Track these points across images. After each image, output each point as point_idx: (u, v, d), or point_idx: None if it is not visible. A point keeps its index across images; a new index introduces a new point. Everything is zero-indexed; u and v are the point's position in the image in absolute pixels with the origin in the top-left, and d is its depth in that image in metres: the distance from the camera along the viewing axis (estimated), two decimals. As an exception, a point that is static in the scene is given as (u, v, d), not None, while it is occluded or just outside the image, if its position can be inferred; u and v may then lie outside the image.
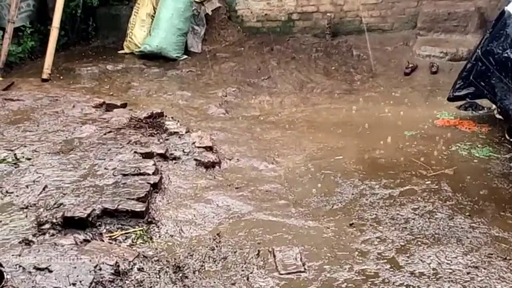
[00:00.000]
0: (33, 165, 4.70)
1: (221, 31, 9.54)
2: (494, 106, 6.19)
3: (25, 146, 5.10)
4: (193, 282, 3.39)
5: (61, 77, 7.93)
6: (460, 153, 5.45)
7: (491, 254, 3.67)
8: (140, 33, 8.93)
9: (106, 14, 9.60)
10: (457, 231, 3.98)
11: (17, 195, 4.19)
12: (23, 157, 4.87)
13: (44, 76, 7.69)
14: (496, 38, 5.46)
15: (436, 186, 4.68)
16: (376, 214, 4.25)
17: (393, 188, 4.68)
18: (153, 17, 8.92)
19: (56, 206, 4.00)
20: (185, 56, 8.83)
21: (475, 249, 3.74)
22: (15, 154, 4.91)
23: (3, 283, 2.73)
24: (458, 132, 6.01)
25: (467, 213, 4.23)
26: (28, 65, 8.40)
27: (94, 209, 3.88)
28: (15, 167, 4.68)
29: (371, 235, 3.95)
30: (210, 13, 9.36)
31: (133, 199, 4.06)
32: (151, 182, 4.34)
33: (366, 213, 4.28)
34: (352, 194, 4.62)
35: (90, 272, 3.21)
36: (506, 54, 5.33)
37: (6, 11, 8.17)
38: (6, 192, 4.25)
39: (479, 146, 5.60)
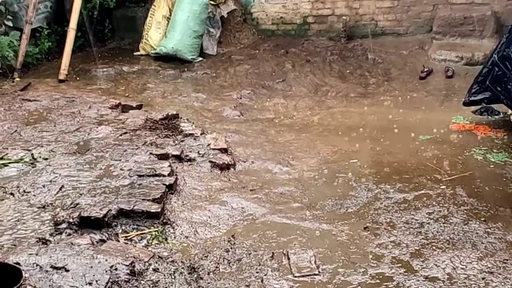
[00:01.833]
0: (50, 165, 4.75)
1: (236, 34, 9.57)
2: (510, 111, 6.14)
3: (42, 146, 5.17)
4: (208, 283, 3.41)
5: (77, 78, 8.00)
6: (476, 158, 5.43)
7: (507, 260, 3.65)
8: (156, 35, 8.98)
9: (122, 15, 9.67)
10: (472, 236, 3.96)
11: (34, 195, 4.24)
12: (40, 157, 4.93)
13: (61, 77, 7.76)
14: (512, 43, 5.46)
15: (451, 191, 4.67)
16: (390, 218, 4.24)
17: (408, 192, 4.68)
18: (169, 19, 8.97)
19: (72, 206, 4.04)
20: (200, 58, 8.86)
21: (490, 254, 3.73)
22: (32, 154, 4.98)
23: (21, 281, 2.76)
24: (473, 137, 5.98)
25: (482, 218, 4.21)
26: (45, 66, 8.48)
27: (110, 210, 3.92)
28: (32, 167, 4.74)
29: (385, 239, 3.94)
30: (225, 15, 9.39)
31: (148, 200, 4.09)
32: (167, 183, 4.37)
33: (380, 217, 4.27)
34: (367, 197, 4.62)
35: (106, 271, 3.24)
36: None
37: (24, 12, 8.26)
38: (24, 191, 4.30)
39: (494, 151, 5.57)
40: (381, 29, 9.46)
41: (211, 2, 9.07)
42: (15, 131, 5.61)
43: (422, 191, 4.69)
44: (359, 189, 4.75)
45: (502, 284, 3.41)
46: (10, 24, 8.07)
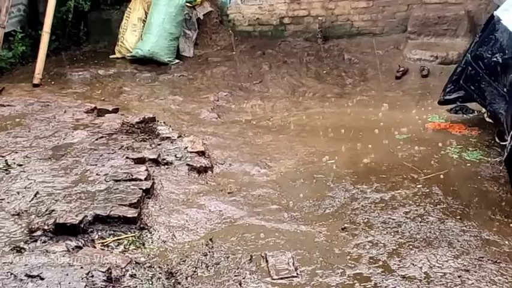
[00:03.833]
0: (24, 172, 4.69)
1: (213, 35, 9.54)
2: (484, 109, 6.22)
3: (16, 152, 5.09)
4: (186, 288, 3.40)
5: (52, 82, 7.91)
6: (451, 156, 5.49)
7: (482, 258, 3.70)
8: (132, 38, 8.92)
9: (97, 18, 9.56)
10: (448, 234, 4.01)
11: (8, 202, 4.18)
12: (14, 163, 4.86)
13: (35, 81, 7.67)
14: (485, 43, 5.51)
15: (428, 190, 4.71)
16: (368, 218, 4.27)
17: (385, 192, 4.71)
18: (145, 21, 8.90)
19: (47, 212, 3.99)
20: (177, 61, 8.81)
21: (466, 252, 3.77)
22: (6, 160, 4.90)
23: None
24: (449, 136, 6.04)
25: (458, 217, 4.26)
26: (19, 70, 8.36)
27: (86, 216, 3.88)
28: (6, 173, 4.66)
29: (363, 239, 3.96)
30: (201, 17, 9.35)
31: (125, 205, 4.05)
32: (144, 188, 4.34)
33: (357, 217, 4.30)
34: (344, 198, 4.64)
35: (82, 279, 3.20)
36: (495, 59, 5.36)
37: (-3, 16, 8.14)
38: (-3, 198, 4.24)
39: (469, 149, 5.64)
40: (356, 29, 9.50)
41: (187, 4, 9.01)
42: (-11, 137, 5.53)
43: (399, 191, 4.73)
44: (336, 190, 4.77)
45: (478, 281, 3.46)
46: (-18, 28, 7.95)
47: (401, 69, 8.44)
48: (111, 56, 9.03)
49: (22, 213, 4.03)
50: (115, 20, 9.37)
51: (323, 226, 4.16)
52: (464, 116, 6.65)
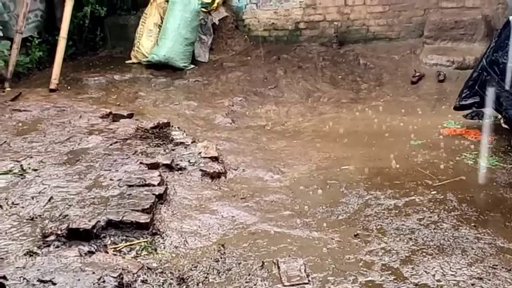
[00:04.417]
0: (39, 176, 4.73)
1: (228, 40, 9.57)
2: (500, 115, 6.15)
3: (31, 157, 5.14)
4: (197, 294, 3.40)
5: (68, 87, 7.98)
6: (466, 162, 5.44)
7: (496, 265, 3.65)
8: (147, 43, 8.97)
9: (114, 23, 9.65)
10: (462, 241, 3.96)
11: (23, 207, 4.22)
12: (29, 168, 4.91)
13: (52, 86, 7.74)
14: (501, 48, 5.46)
15: (442, 197, 4.67)
16: (381, 225, 4.24)
17: (398, 198, 4.67)
18: (161, 26, 8.95)
19: (61, 217, 4.02)
20: (192, 66, 8.85)
21: (480, 260, 3.72)
22: (21, 165, 4.95)
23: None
24: (464, 142, 5.99)
25: (472, 224, 4.21)
26: (36, 75, 8.45)
27: (99, 221, 3.90)
28: (22, 178, 4.71)
29: (376, 246, 3.93)
30: (217, 22, 9.38)
31: (138, 210, 4.07)
32: (156, 193, 4.35)
33: (371, 223, 4.27)
34: (358, 204, 4.61)
35: (93, 284, 3.22)
36: (511, 64, 5.30)
37: (14, 21, 8.24)
38: (12, 203, 4.27)
39: (485, 155, 5.57)
40: (372, 34, 9.48)
41: (203, 10, 9.06)
42: (5, 142, 5.58)
43: (413, 197, 4.68)
44: (350, 196, 4.74)
45: (492, 290, 3.41)
46: (0, 33, 8.03)
47: (417, 74, 8.39)
48: (127, 61, 9.10)
49: (36, 218, 4.06)
50: (131, 25, 9.44)
51: (336, 232, 4.14)
52: (481, 121, 6.56)
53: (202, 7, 8.99)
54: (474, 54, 8.41)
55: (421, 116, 7.04)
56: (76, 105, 6.93)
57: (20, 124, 6.12)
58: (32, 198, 4.34)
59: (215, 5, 9.27)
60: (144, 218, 3.98)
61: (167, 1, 9.01)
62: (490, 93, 5.74)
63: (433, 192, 4.76)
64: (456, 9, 9.12)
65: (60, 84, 7.91)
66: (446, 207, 4.48)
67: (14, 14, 8.36)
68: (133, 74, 8.62)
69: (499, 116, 6.23)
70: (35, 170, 4.88)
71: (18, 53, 8.04)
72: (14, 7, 8.43)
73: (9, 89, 7.72)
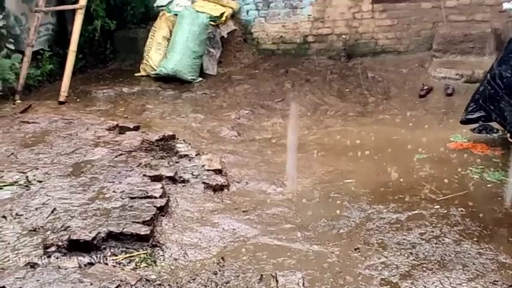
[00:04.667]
0: (43, 188, 4.77)
1: (237, 53, 9.63)
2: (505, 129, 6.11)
3: (37, 169, 5.19)
4: (194, 306, 3.40)
5: (77, 100, 8.07)
6: (472, 176, 5.40)
7: (497, 281, 3.61)
8: (156, 56, 9.05)
9: (123, 37, 9.77)
10: (463, 257, 3.93)
11: (26, 218, 4.25)
12: (35, 179, 4.96)
13: (61, 99, 7.84)
14: (504, 62, 5.44)
15: (445, 211, 4.64)
16: (382, 239, 4.22)
17: (401, 212, 4.65)
18: (169, 40, 9.03)
19: (62, 228, 4.05)
20: (200, 79, 8.91)
21: (481, 275, 3.69)
22: (27, 177, 5.01)
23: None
24: (470, 156, 5.95)
25: (474, 239, 4.17)
26: (46, 88, 8.57)
27: (99, 232, 3.92)
28: (27, 190, 4.76)
29: (376, 260, 3.91)
30: (225, 36, 9.44)
31: (138, 222, 4.09)
32: (158, 205, 4.37)
33: (372, 237, 4.25)
34: (359, 218, 4.59)
35: (91, 295, 3.23)
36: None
37: (26, 34, 8.38)
38: (16, 214, 4.31)
39: (491, 169, 5.53)
40: (381, 47, 9.49)
41: (211, 23, 9.13)
42: (12, 153, 5.65)
43: (416, 211, 4.66)
44: (352, 210, 4.73)
45: (491, 306, 3.38)
46: (12, 47, 8.17)
47: (425, 87, 8.36)
48: (136, 74, 9.18)
49: (38, 229, 4.09)
50: (141, 38, 9.55)
51: (336, 246, 4.13)
52: (488, 135, 6.54)
53: (210, 21, 9.07)
54: (483, 68, 8.33)
55: (428, 129, 7.01)
56: (84, 117, 7.00)
57: (28, 136, 6.18)
58: (36, 209, 4.38)
59: (223, 18, 9.34)
60: (144, 230, 4.00)
61: (176, 15, 9.10)
62: (494, 107, 5.71)
63: (436, 207, 4.73)
64: (465, 22, 9.10)
65: (70, 97, 8.00)
66: (449, 222, 4.44)
67: (26, 27, 8.50)
68: (141, 86, 8.69)
69: (506, 129, 6.19)
70: (40, 181, 4.93)
71: (29, 66, 8.17)
72: (25, 21, 8.57)
73: (19, 101, 7.83)
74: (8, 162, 5.44)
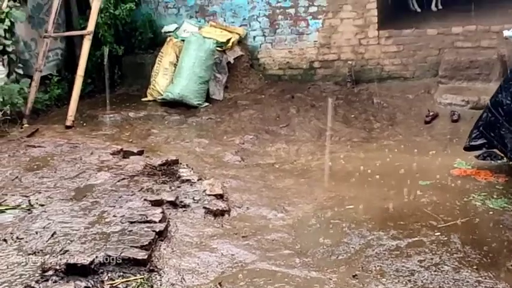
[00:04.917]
0: (45, 212, 4.81)
1: (243, 79, 9.68)
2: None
3: (40, 193, 5.24)
4: (189, 332, 3.39)
5: (84, 124, 8.14)
6: (474, 204, 5.37)
7: (495, 310, 3.59)
8: (163, 81, 9.13)
9: (131, 62, 9.87)
10: (462, 285, 3.90)
11: (26, 241, 4.28)
12: (37, 203, 5.00)
13: (68, 123, 7.90)
14: (505, 89, 5.45)
15: (446, 238, 4.61)
16: (381, 266, 4.20)
17: (401, 239, 4.63)
18: (176, 65, 9.12)
19: (61, 252, 4.07)
20: (206, 104, 8.96)
21: (479, 304, 3.66)
22: (29, 200, 5.05)
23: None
24: (474, 182, 5.92)
25: (474, 267, 4.14)
26: (54, 112, 8.64)
27: (97, 256, 3.94)
28: (28, 213, 4.80)
29: (373, 287, 3.89)
30: (232, 61, 9.51)
31: (136, 247, 4.10)
32: (157, 230, 4.38)
33: (370, 264, 4.23)
34: (359, 244, 4.58)
35: (85, 320, 3.24)
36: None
37: (35, 60, 8.49)
38: (17, 237, 4.35)
39: (494, 196, 5.50)
40: (387, 73, 9.51)
41: (218, 49, 9.22)
42: (17, 177, 5.70)
43: (416, 238, 4.64)
44: (352, 236, 4.72)
45: (488, 335, 3.34)
46: (20, 71, 8.28)
47: (430, 113, 8.36)
48: (143, 99, 9.25)
49: (38, 252, 4.12)
50: (148, 64, 9.63)
51: (334, 273, 4.11)
52: (493, 162, 6.49)
53: (217, 46, 9.15)
54: (489, 94, 8.20)
55: (433, 156, 6.99)
56: (89, 141, 7.05)
57: (33, 160, 6.24)
58: (36, 233, 4.41)
59: (230, 44, 9.42)
60: (141, 255, 4.01)
61: (183, 41, 9.20)
62: (495, 134, 5.70)
63: (436, 234, 4.70)
64: (471, 49, 9.11)
65: (76, 121, 8.07)
66: (449, 249, 4.42)
67: (35, 52, 8.62)
68: (148, 111, 8.75)
69: (509, 156, 6.16)
70: (42, 205, 4.96)
71: (37, 91, 8.27)
72: (35, 46, 8.70)
73: (27, 125, 7.90)
74: (12, 185, 5.49)
